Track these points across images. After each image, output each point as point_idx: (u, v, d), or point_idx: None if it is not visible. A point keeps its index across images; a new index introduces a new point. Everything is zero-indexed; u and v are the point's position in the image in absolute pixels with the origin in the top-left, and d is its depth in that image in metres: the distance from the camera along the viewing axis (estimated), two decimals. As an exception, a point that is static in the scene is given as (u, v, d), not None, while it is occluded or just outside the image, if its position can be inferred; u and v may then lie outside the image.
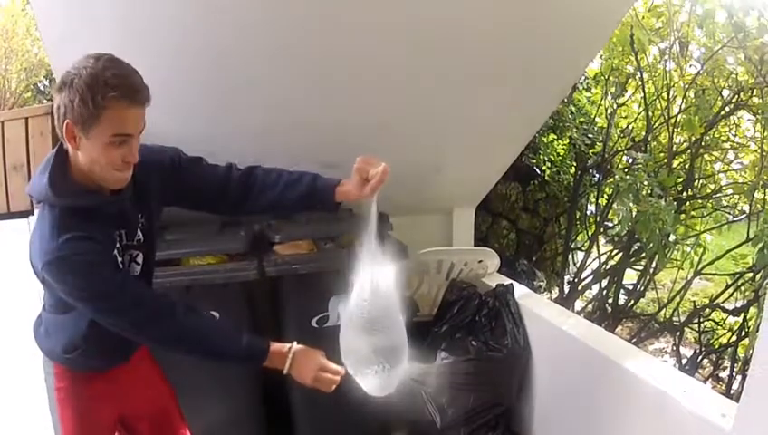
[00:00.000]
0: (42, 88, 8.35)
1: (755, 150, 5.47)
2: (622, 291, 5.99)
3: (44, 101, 7.92)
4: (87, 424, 2.27)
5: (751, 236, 4.89)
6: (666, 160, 5.43)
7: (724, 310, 5.50)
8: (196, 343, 2.07)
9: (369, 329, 2.16)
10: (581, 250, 6.51)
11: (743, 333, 5.17)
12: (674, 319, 5.75)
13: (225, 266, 3.26)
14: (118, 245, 2.02)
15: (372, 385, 2.23)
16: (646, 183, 4.81)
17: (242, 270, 3.24)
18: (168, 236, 3.27)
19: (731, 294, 5.37)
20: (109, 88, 1.75)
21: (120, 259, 2.03)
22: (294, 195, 2.21)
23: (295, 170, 2.26)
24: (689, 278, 5.48)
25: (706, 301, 5.78)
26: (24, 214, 3.62)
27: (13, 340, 3.04)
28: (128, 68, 1.83)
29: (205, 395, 3.25)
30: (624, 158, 5.97)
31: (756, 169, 5.29)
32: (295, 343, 2.17)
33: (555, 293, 6.38)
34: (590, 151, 6.00)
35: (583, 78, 6.17)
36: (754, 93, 5.06)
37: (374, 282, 2.15)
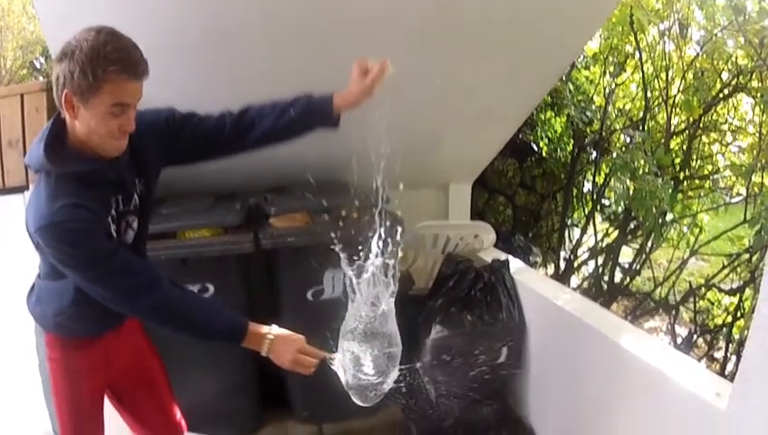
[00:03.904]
0: (38, 66, 8.29)
1: (753, 133, 5.47)
2: (618, 269, 6.00)
3: (40, 78, 7.87)
4: (80, 394, 2.30)
5: (748, 217, 4.90)
6: (663, 140, 5.42)
7: (721, 289, 5.52)
8: (178, 317, 2.09)
9: (366, 343, 2.15)
10: (578, 227, 6.53)
11: (738, 313, 5.19)
12: (669, 298, 5.76)
13: (220, 239, 3.26)
14: (113, 211, 2.03)
15: (365, 397, 2.22)
16: (642, 161, 4.81)
17: (237, 243, 3.23)
18: (164, 209, 3.27)
19: (726, 275, 5.39)
20: (109, 62, 1.77)
21: (114, 226, 2.04)
22: (292, 117, 2.22)
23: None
24: (686, 257, 5.50)
25: (702, 281, 5.79)
26: (20, 189, 3.62)
27: (8, 315, 3.03)
28: (128, 42, 1.85)
29: (199, 369, 3.27)
30: (622, 137, 5.96)
31: (754, 151, 5.30)
32: (275, 326, 2.18)
33: (551, 269, 6.39)
34: (588, 129, 5.99)
35: (582, 57, 6.14)
36: (753, 76, 5.05)
37: (374, 295, 2.13)
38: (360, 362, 2.14)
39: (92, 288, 1.98)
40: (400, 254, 2.13)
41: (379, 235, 2.10)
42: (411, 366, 2.34)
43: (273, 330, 2.16)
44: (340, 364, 2.18)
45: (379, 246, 2.08)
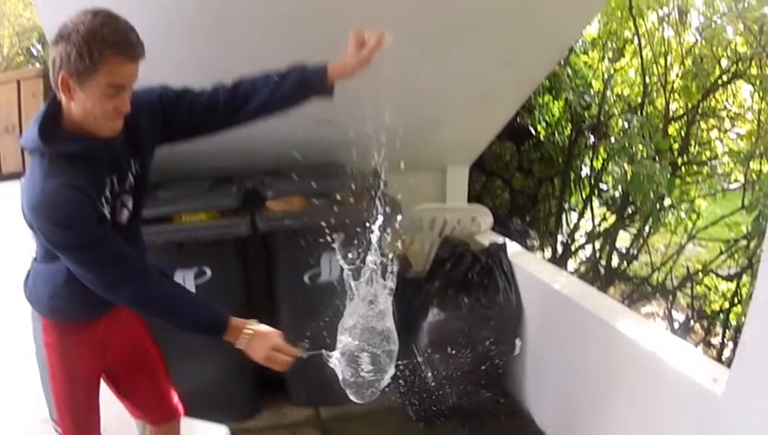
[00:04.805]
0: (34, 52, 8.26)
1: (752, 120, 5.46)
2: (615, 253, 6.00)
3: (37, 64, 7.88)
4: (76, 378, 2.29)
5: (746, 204, 4.90)
6: (662, 126, 5.42)
7: (718, 275, 5.53)
8: (162, 308, 2.09)
9: (364, 341, 2.14)
10: (575, 211, 6.52)
11: (735, 299, 5.20)
12: (666, 283, 5.77)
13: (217, 223, 3.26)
14: (108, 192, 2.01)
15: (362, 395, 2.22)
16: (641, 146, 4.80)
17: (234, 226, 3.23)
18: (161, 193, 3.26)
19: (724, 261, 5.40)
20: (106, 44, 1.76)
21: (108, 207, 2.02)
22: (286, 88, 2.21)
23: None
24: (683, 242, 5.50)
25: (700, 267, 5.80)
26: (17, 175, 3.62)
27: (5, 302, 3.03)
28: (125, 24, 1.84)
29: (196, 354, 3.25)
30: (620, 122, 5.96)
31: (753, 138, 5.30)
32: (255, 321, 2.17)
33: (548, 253, 6.39)
34: (586, 114, 5.97)
35: (581, 41, 6.11)
36: (752, 63, 5.05)
37: (372, 292, 2.13)
38: (357, 360, 2.14)
39: (81, 272, 1.97)
40: (399, 246, 2.13)
41: (377, 222, 2.10)
42: (409, 362, 2.32)
43: (253, 326, 2.15)
44: (338, 362, 2.18)
45: (376, 235, 2.08)
